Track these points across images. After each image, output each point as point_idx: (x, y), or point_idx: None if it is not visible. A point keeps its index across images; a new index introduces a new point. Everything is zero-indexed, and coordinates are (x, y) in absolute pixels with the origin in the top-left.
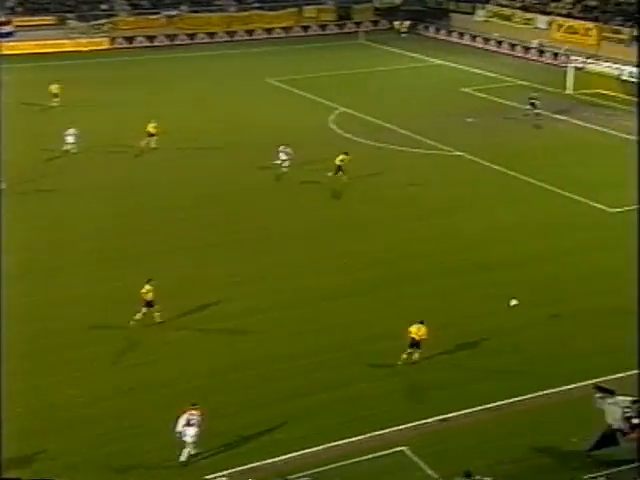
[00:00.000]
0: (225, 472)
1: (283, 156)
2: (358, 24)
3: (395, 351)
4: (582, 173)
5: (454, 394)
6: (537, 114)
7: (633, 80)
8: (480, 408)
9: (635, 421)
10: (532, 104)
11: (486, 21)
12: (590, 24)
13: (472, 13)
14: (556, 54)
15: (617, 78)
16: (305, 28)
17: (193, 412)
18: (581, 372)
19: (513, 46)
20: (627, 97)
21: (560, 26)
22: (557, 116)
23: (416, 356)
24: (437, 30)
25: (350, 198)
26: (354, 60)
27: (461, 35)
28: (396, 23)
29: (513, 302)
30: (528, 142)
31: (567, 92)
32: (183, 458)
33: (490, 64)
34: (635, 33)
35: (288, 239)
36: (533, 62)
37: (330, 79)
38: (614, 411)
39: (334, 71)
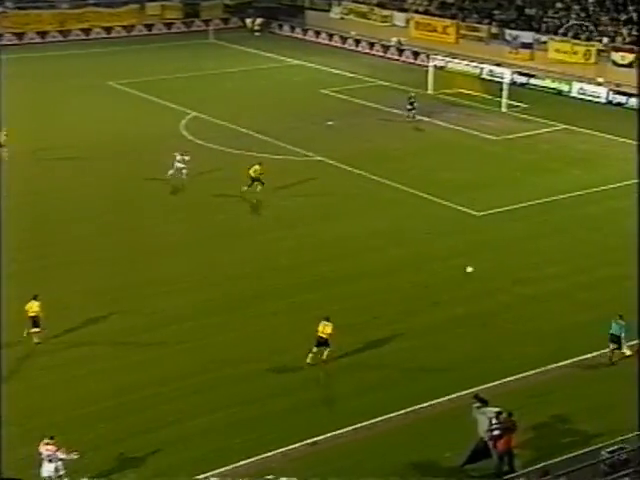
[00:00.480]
0: None
1: (179, 164)
2: (207, 22)
3: (256, 375)
4: (448, 176)
5: (326, 413)
6: (412, 116)
7: (493, 79)
8: (353, 427)
9: (496, 433)
10: (411, 104)
11: (342, 18)
12: (448, 21)
13: (328, 10)
14: (416, 53)
15: (477, 77)
16: (149, 27)
17: (49, 447)
18: (458, 382)
19: (372, 45)
20: (488, 96)
21: (418, 24)
22: (421, 117)
23: (325, 354)
24: (292, 28)
25: (210, 209)
26: (205, 61)
27: (317, 34)
28: (248, 21)
29: (469, 269)
30: (391, 145)
31: (429, 92)
32: None
33: (349, 64)
34: (494, 30)
35: (150, 255)
36: (393, 61)
37: (179, 82)
38: (483, 422)
39: (183, 73)
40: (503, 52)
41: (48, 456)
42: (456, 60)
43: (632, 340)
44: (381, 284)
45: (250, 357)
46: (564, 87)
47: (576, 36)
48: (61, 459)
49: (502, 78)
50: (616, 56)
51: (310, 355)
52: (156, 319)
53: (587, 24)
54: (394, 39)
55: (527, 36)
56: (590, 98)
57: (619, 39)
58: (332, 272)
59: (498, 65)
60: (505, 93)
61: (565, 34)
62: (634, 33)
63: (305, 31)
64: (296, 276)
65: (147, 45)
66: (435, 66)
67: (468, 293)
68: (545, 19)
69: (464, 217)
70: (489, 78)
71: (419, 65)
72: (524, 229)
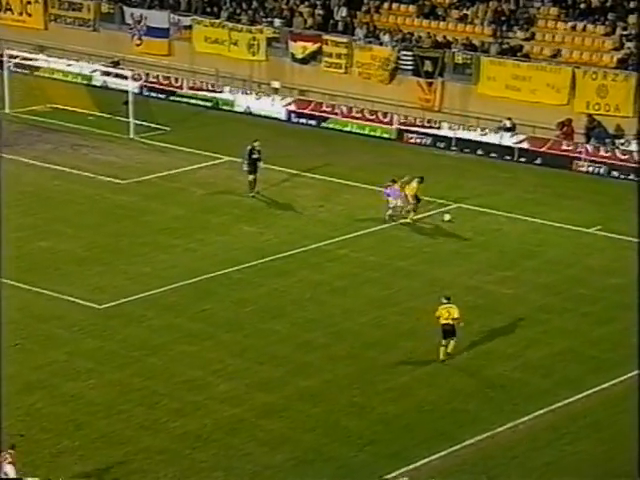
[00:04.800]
0: None
1: None
2: None
3: None
4: (46, 246)
5: None
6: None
7: (111, 86)
8: None
9: None
10: (255, 160)
11: None
12: None
13: None
14: None
15: (86, 84)
16: None
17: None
18: None
19: None
20: (105, 115)
21: None
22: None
23: (451, 346)
24: None
25: None
26: None
27: None
28: None
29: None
30: None
31: (7, 111)
32: None
33: None
34: (106, 8)
35: None
36: None
37: None
38: None
39: None
40: (124, 43)
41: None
42: (48, 58)
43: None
44: None
45: None
46: (225, 98)
47: (233, 17)
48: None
49: (125, 85)
50: (295, 47)
51: (442, 349)
52: None
53: None
54: None
55: (159, 17)
56: (264, 113)
57: (298, 21)
58: None
59: (117, 64)
60: (132, 109)
61: (217, 14)
62: (319, 12)
63: None
64: None
65: None
66: (12, 67)
67: None
68: None
69: (80, 314)
70: (104, 85)
71: None
72: (171, 328)
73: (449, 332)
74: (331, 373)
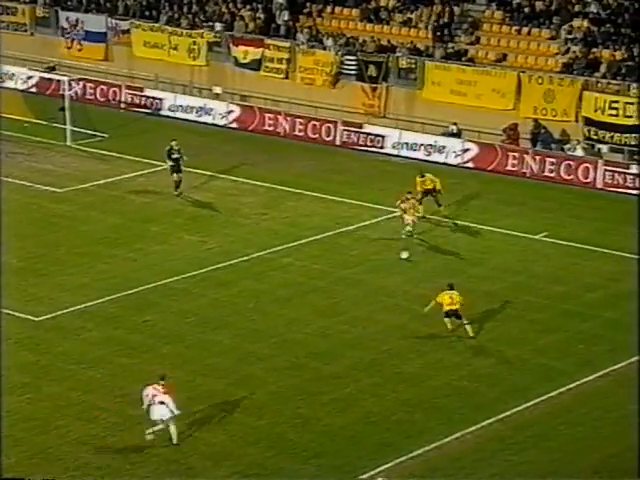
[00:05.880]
0: None
1: None
2: None
3: None
4: None
5: None
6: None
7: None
8: None
9: None
10: (176, 160)
11: None
12: None
13: None
14: None
15: (21, 89)
16: None
17: (157, 387)
18: None
19: None
20: (40, 121)
21: None
22: None
23: (468, 328)
24: None
25: None
26: None
27: None
28: None
29: (404, 254)
30: None
31: None
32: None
33: None
34: (41, 12)
35: None
36: None
37: None
38: None
39: None
40: (59, 47)
41: (155, 397)
42: None
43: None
44: None
45: None
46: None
47: (173, 21)
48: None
49: (62, 91)
50: (237, 52)
51: (448, 322)
52: None
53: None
54: None
55: (96, 21)
56: (206, 119)
57: (240, 25)
58: None
59: (52, 69)
60: (69, 115)
61: (156, 18)
62: (261, 15)
63: None
64: None
65: None
66: None
67: None
68: None
69: (16, 326)
70: (39, 91)
71: None
72: (110, 340)
73: (454, 315)
74: (275, 385)
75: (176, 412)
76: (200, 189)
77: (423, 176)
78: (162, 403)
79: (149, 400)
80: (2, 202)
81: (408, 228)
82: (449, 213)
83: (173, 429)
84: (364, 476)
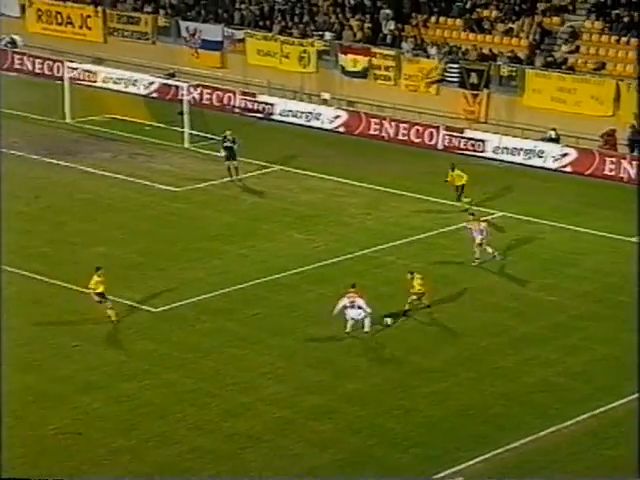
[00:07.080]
0: None
1: None
2: None
3: None
4: (104, 251)
5: None
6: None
7: (157, 95)
8: None
9: None
10: (228, 148)
11: None
12: (89, 8)
13: None
14: (43, 59)
15: (142, 94)
16: None
17: (351, 294)
18: None
19: None
20: (160, 125)
21: (40, 11)
22: (57, 161)
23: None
24: None
25: None
26: None
27: None
28: None
29: (388, 321)
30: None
31: (67, 121)
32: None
33: None
34: (162, 22)
35: None
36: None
37: None
38: None
39: None
40: (179, 55)
41: (351, 302)
42: (106, 69)
43: None
44: None
45: None
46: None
47: (285, 30)
48: (360, 307)
49: (181, 96)
50: (345, 60)
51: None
52: None
53: (297, 11)
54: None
55: (213, 30)
56: (314, 124)
57: (348, 34)
58: None
59: (172, 76)
60: (187, 119)
61: (269, 27)
62: (368, 25)
63: None
64: None
65: None
66: (73, 79)
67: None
68: (241, 5)
69: (136, 316)
70: (159, 96)
71: (48, 77)
72: (222, 331)
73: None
74: (378, 376)
75: (368, 310)
76: (308, 190)
77: (453, 170)
78: (360, 307)
79: (349, 303)
80: (2, 199)
81: (489, 250)
82: (539, 212)
83: (367, 322)
84: (461, 466)
